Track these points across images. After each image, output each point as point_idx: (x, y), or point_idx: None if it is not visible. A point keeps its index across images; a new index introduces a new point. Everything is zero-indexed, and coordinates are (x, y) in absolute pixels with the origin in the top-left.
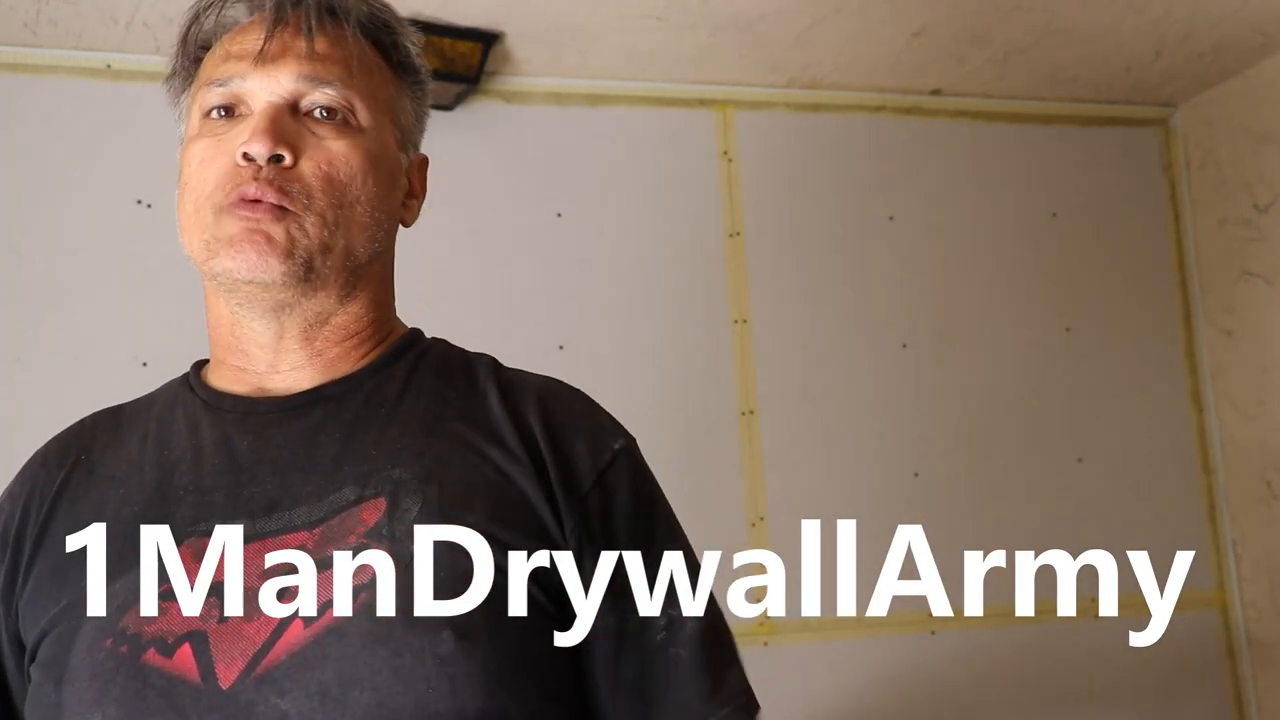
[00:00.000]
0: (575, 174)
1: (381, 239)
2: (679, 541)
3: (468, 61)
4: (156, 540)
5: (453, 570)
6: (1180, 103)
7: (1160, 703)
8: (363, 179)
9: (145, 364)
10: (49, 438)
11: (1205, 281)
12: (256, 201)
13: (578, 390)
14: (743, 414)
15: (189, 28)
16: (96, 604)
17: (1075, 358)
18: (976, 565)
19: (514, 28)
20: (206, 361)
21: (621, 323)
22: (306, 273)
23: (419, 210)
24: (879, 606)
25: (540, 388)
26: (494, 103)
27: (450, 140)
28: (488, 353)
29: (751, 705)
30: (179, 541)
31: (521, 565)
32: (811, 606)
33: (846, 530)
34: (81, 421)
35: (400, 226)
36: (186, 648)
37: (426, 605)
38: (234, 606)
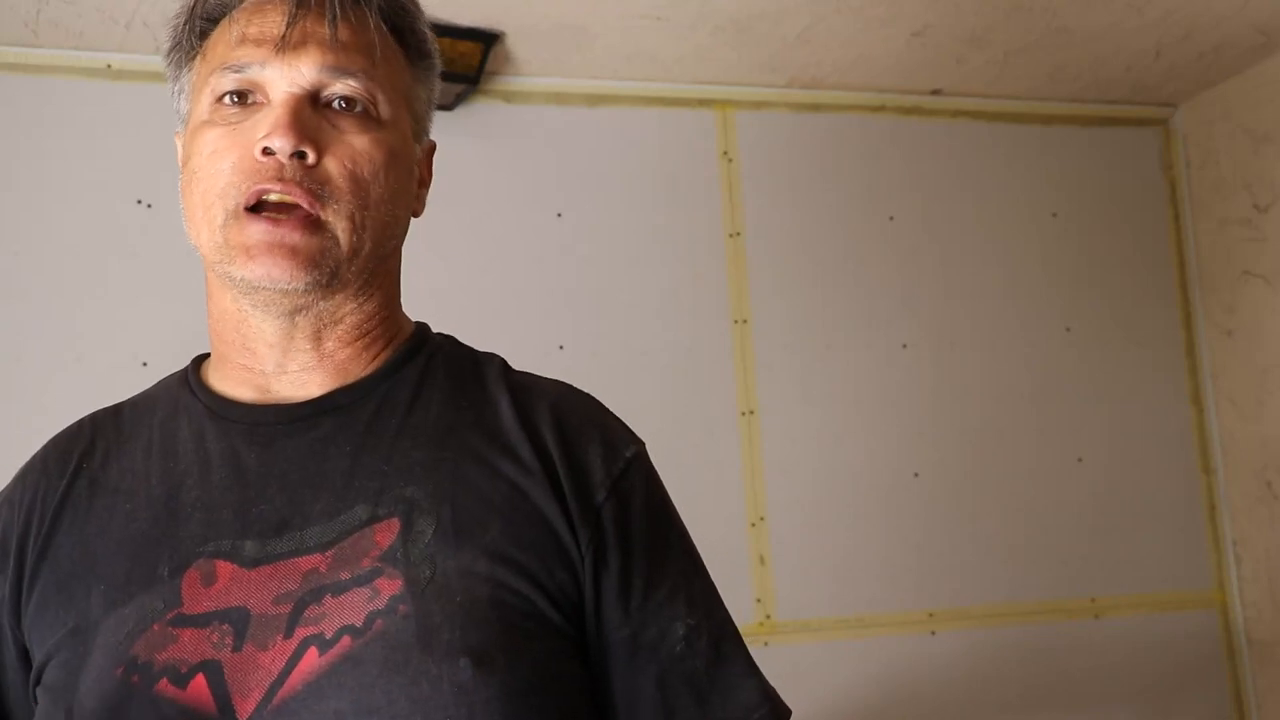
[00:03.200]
0: (575, 174)
1: (398, 234)
2: (690, 551)
3: (468, 61)
4: (166, 563)
5: (468, 595)
6: (1180, 103)
7: (1160, 703)
8: (385, 176)
9: (145, 364)
10: (47, 438)
11: (1205, 281)
12: (280, 211)
13: (588, 395)
14: (743, 414)
15: (195, 2)
16: (105, 629)
17: (1075, 358)
18: (976, 565)
19: (514, 28)
20: (206, 356)
21: (621, 323)
22: (331, 279)
23: (426, 198)
24: (879, 606)
25: (552, 394)
26: (494, 103)
27: (450, 140)
28: (495, 353)
29: (778, 712)
30: (188, 563)
31: (537, 587)
32: (811, 606)
33: (846, 530)
34: (80, 424)
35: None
36: (200, 678)
37: (442, 632)
38: (247, 634)
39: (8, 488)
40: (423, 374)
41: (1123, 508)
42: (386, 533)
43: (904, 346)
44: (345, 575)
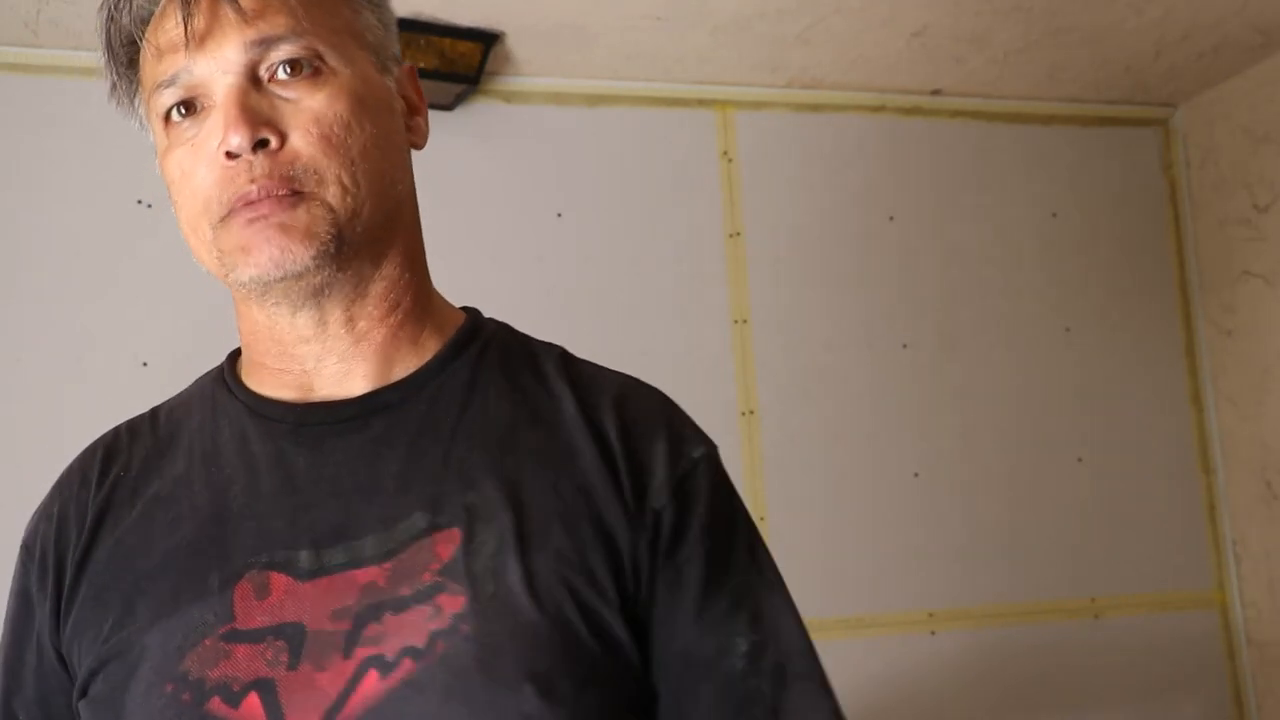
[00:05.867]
0: (575, 174)
1: (400, 177)
2: (760, 561)
3: (468, 61)
4: (216, 574)
5: (533, 613)
6: (1180, 103)
7: (1160, 703)
8: (359, 124)
9: (145, 364)
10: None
11: (1205, 281)
12: (260, 201)
13: (656, 390)
14: (743, 414)
15: (108, 32)
16: (153, 643)
17: (1075, 358)
18: (976, 565)
19: (514, 28)
20: (239, 353)
21: (621, 323)
22: (339, 247)
23: (427, 126)
24: (879, 606)
25: (617, 388)
26: (494, 103)
27: (450, 140)
28: (555, 342)
29: None
30: (239, 574)
31: (604, 600)
32: (811, 606)
33: (846, 530)
34: (115, 431)
35: (414, 151)
36: (254, 697)
37: (507, 656)
38: (304, 652)
39: (44, 502)
40: (476, 367)
41: (1123, 508)
42: (447, 544)
43: (904, 346)
44: (405, 590)
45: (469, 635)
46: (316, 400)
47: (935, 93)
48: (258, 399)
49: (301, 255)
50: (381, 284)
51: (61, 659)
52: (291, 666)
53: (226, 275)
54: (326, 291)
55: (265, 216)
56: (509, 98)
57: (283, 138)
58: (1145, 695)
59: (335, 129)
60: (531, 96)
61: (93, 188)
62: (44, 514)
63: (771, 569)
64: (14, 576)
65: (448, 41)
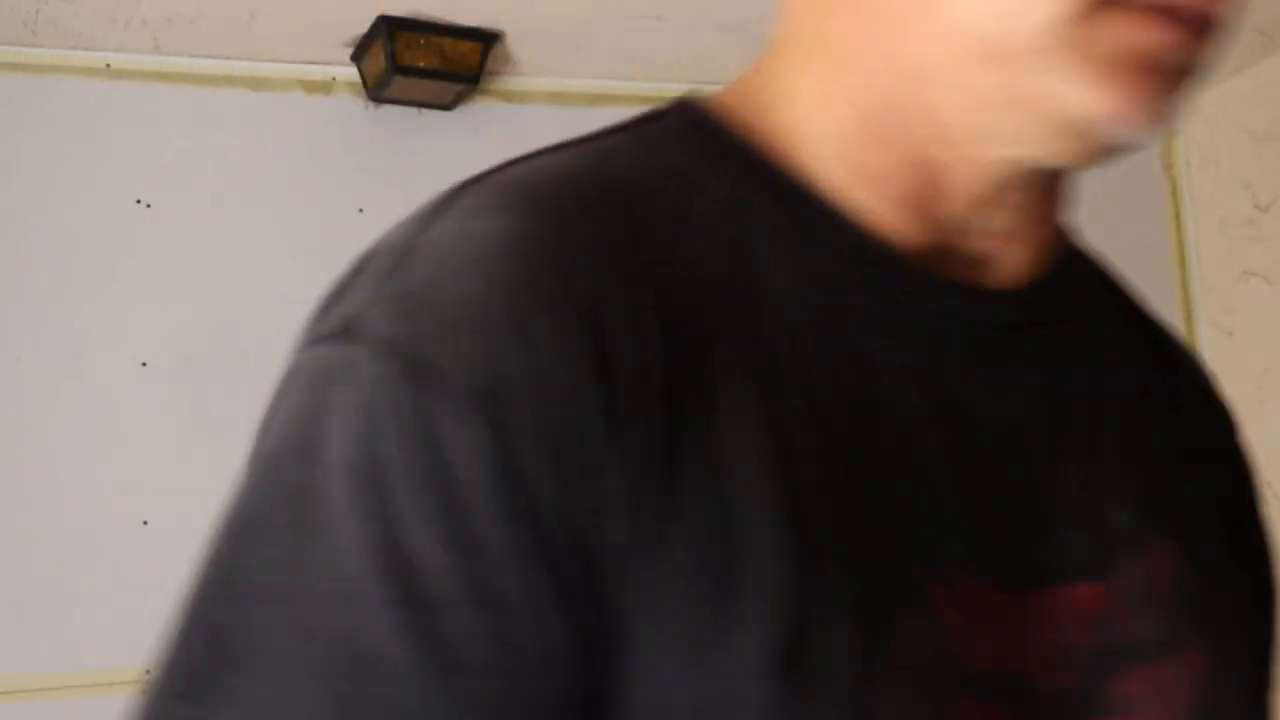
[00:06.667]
0: None
1: None
2: None
3: (468, 61)
4: (896, 568)
5: (1257, 678)
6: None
7: None
8: None
9: (145, 364)
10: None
11: (1205, 281)
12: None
13: None
14: None
15: None
16: (828, 667)
17: None
18: None
19: (514, 28)
20: (711, 116)
21: None
22: None
23: None
24: None
25: (1201, 367)
26: (494, 103)
27: (450, 140)
28: None
29: None
30: (929, 574)
31: None
32: None
33: None
34: (633, 234)
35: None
36: None
37: None
38: (1043, 713)
39: (498, 311)
40: (1098, 288)
41: None
42: (1164, 564)
43: None
44: (1138, 628)
45: (1224, 707)
46: (969, 275)
47: None
48: (891, 263)
49: (1169, 122)
50: None
51: (612, 612)
52: None
53: (1008, 120)
54: None
55: (1176, 48)
56: (509, 97)
57: None
58: None
59: None
60: (531, 96)
61: (92, 188)
62: (526, 344)
63: None
64: (427, 447)
65: (448, 41)
